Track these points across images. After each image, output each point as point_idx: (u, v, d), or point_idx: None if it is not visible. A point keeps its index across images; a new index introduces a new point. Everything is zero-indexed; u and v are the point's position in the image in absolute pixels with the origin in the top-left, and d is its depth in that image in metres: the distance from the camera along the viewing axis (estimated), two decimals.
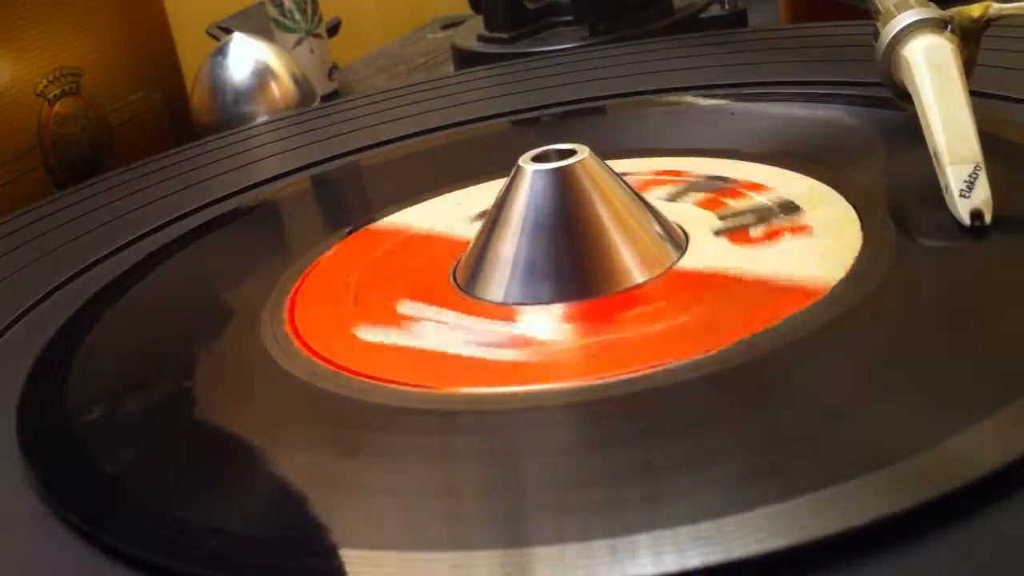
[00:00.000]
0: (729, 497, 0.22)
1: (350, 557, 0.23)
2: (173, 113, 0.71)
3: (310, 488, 0.26)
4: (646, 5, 0.67)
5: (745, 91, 0.48)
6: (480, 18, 0.71)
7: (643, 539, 0.21)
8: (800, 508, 0.21)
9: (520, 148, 0.35)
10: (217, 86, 0.64)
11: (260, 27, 0.73)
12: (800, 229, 0.34)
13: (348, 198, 0.49)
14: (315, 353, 0.32)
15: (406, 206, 0.42)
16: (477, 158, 0.47)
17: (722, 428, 0.25)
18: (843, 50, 0.50)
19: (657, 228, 0.34)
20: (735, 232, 0.34)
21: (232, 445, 0.29)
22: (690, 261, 0.33)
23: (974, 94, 0.34)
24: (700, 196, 0.37)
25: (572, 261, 0.33)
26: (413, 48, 0.88)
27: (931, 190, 0.32)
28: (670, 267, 0.33)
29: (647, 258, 0.33)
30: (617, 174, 0.34)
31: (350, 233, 0.40)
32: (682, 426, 0.25)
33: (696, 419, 0.26)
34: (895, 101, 0.39)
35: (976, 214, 0.31)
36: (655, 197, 0.37)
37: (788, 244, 0.33)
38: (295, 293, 0.36)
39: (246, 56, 0.64)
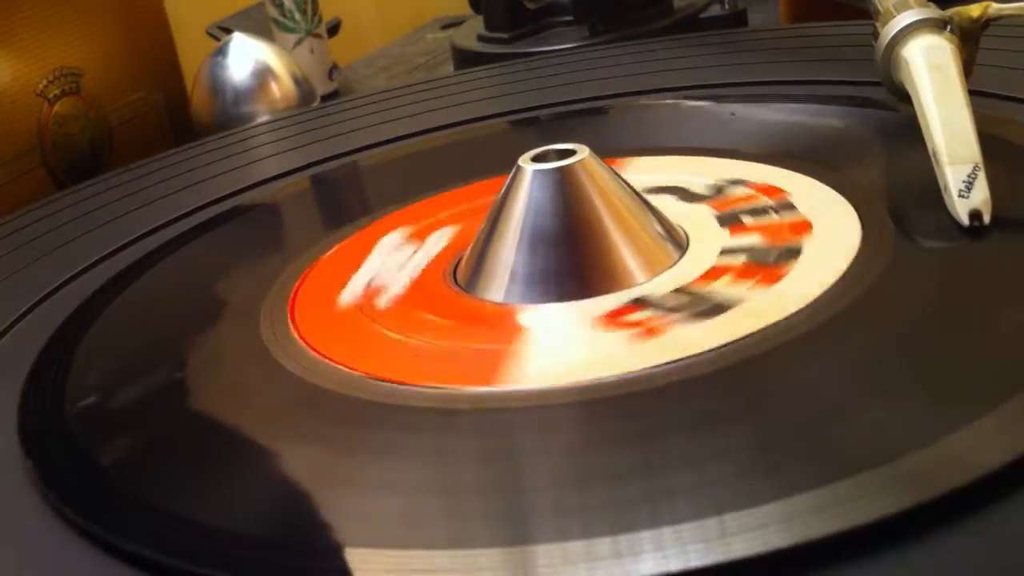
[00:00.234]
0: (730, 496, 0.22)
1: (349, 555, 0.23)
2: (173, 113, 0.71)
3: (310, 485, 0.26)
4: (646, 5, 0.67)
5: (745, 91, 0.48)
6: (480, 18, 0.71)
7: (645, 537, 0.21)
8: (801, 507, 0.21)
9: (520, 148, 0.35)
10: (217, 86, 0.64)
11: (260, 27, 0.73)
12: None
13: (348, 198, 0.49)
14: (316, 351, 0.32)
15: (404, 207, 0.42)
16: (477, 158, 0.47)
17: (722, 427, 0.25)
18: (843, 50, 0.50)
19: (658, 228, 0.34)
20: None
21: (232, 443, 0.29)
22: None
23: (973, 94, 0.34)
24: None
25: (572, 261, 0.33)
26: (413, 48, 0.88)
27: (930, 190, 0.32)
28: (671, 266, 0.33)
29: (648, 258, 0.33)
30: (617, 174, 0.34)
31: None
32: (682, 425, 0.25)
33: (696, 418, 0.26)
34: (894, 101, 0.39)
35: (975, 214, 0.31)
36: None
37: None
38: (295, 292, 0.36)
39: (246, 56, 0.64)
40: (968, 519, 0.21)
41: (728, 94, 0.48)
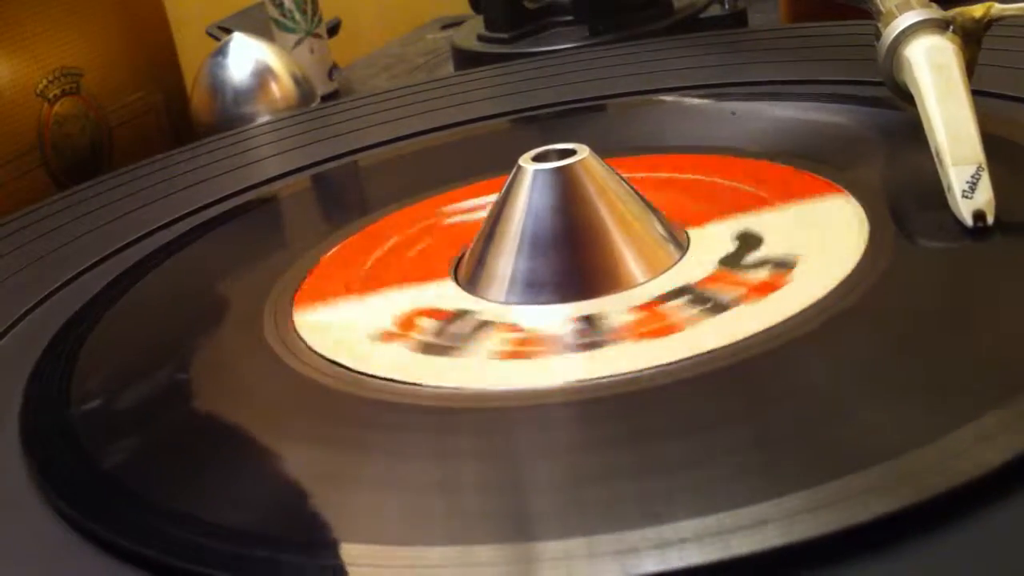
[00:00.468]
0: (729, 495, 0.22)
1: (351, 553, 0.23)
2: (173, 113, 0.71)
3: (311, 484, 0.26)
4: (646, 5, 0.67)
5: (745, 91, 0.48)
6: (480, 18, 0.71)
7: (643, 535, 0.21)
8: (800, 505, 0.21)
9: (520, 148, 0.35)
10: (217, 86, 0.64)
11: (260, 27, 0.73)
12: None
13: (348, 198, 0.49)
14: (317, 351, 0.32)
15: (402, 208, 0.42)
16: (477, 158, 0.47)
17: (723, 426, 0.25)
18: (843, 50, 0.50)
19: (659, 228, 0.34)
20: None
21: (235, 442, 0.29)
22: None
23: (976, 94, 0.34)
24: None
25: (573, 261, 0.33)
26: (413, 48, 0.88)
27: (933, 190, 0.32)
28: (671, 267, 0.33)
29: (648, 258, 0.33)
30: (617, 174, 0.34)
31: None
32: (682, 424, 0.25)
33: (697, 417, 0.26)
34: (896, 101, 0.39)
35: (978, 214, 0.30)
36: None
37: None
38: (297, 291, 0.36)
39: (246, 56, 0.64)
40: (968, 518, 0.20)
41: (728, 94, 0.48)
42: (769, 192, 0.37)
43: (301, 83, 0.65)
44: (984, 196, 0.31)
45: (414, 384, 0.29)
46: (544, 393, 0.28)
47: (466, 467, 0.26)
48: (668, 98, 0.49)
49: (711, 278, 0.32)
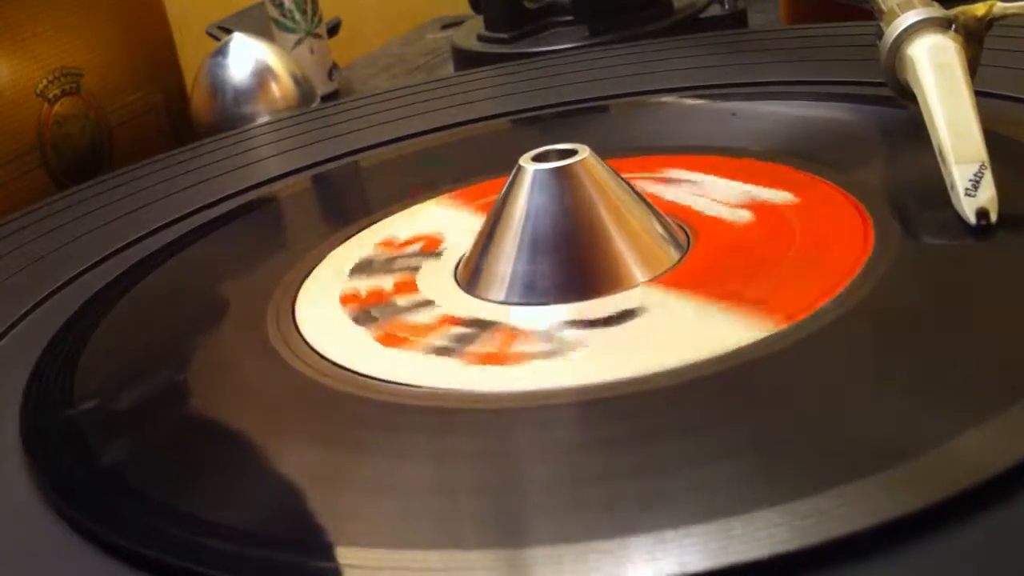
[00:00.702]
0: (730, 499, 0.22)
1: (350, 555, 0.23)
2: (173, 113, 0.71)
3: (313, 485, 0.26)
4: (646, 5, 0.67)
5: (746, 91, 0.48)
6: (480, 18, 0.71)
7: (644, 540, 0.21)
8: (802, 511, 0.21)
9: (520, 148, 0.35)
10: (217, 86, 0.64)
11: (260, 27, 0.73)
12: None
13: (349, 198, 0.49)
14: (317, 352, 0.32)
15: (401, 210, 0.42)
16: (477, 158, 0.47)
17: (723, 429, 0.25)
18: (843, 50, 0.50)
19: (658, 228, 0.34)
20: None
21: (235, 443, 0.29)
22: None
23: (978, 94, 0.34)
24: None
25: (573, 261, 0.33)
26: (413, 48, 0.88)
27: (936, 189, 0.32)
28: (672, 268, 0.33)
29: (648, 258, 0.33)
30: (617, 174, 0.34)
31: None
32: (682, 427, 0.25)
33: (697, 420, 0.26)
34: (898, 100, 0.39)
35: (982, 213, 0.30)
36: None
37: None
38: (298, 292, 0.36)
39: (246, 56, 0.64)
40: (973, 522, 0.20)
41: (729, 94, 0.48)
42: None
43: (301, 83, 0.65)
44: (987, 194, 0.31)
45: (414, 385, 0.29)
46: (543, 394, 0.28)
47: (465, 469, 0.26)
48: (668, 98, 0.49)
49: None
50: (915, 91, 0.36)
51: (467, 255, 0.35)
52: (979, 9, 0.36)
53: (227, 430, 0.29)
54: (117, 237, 0.45)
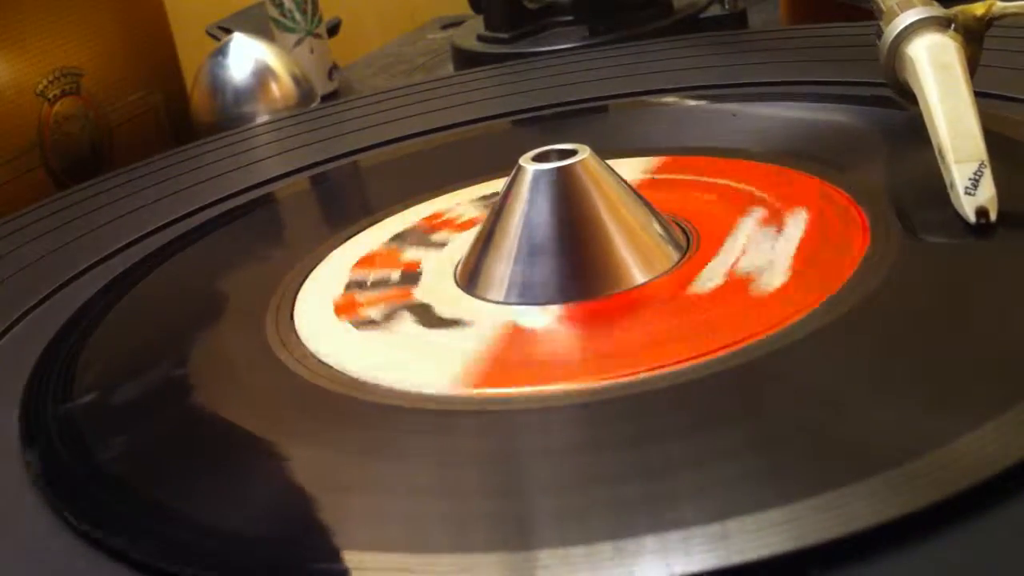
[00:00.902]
0: (732, 499, 0.22)
1: (352, 558, 0.23)
2: (173, 113, 0.71)
3: (312, 488, 0.26)
4: (646, 5, 0.67)
5: (746, 91, 0.48)
6: (480, 18, 0.71)
7: (646, 541, 0.21)
8: (803, 510, 0.21)
9: (520, 148, 0.35)
10: (217, 86, 0.64)
11: (260, 27, 0.73)
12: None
13: (349, 198, 0.49)
14: (314, 354, 0.32)
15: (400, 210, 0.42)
16: (477, 158, 0.47)
17: (724, 429, 0.25)
18: (843, 50, 0.50)
19: (658, 228, 0.34)
20: None
21: (236, 445, 0.29)
22: None
23: (977, 93, 0.34)
24: None
25: (572, 261, 0.33)
26: (413, 48, 0.88)
27: (935, 188, 0.32)
28: (672, 268, 0.33)
29: (648, 258, 0.33)
30: (617, 174, 0.34)
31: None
32: (683, 427, 0.25)
33: (698, 420, 0.26)
34: (897, 100, 0.39)
35: (981, 211, 0.30)
36: None
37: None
38: (297, 292, 0.36)
39: (246, 56, 0.64)
40: (973, 522, 0.20)
41: (729, 94, 0.48)
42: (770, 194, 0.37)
43: (301, 83, 0.65)
44: (987, 193, 0.31)
45: (415, 386, 0.29)
46: (545, 395, 0.28)
47: (467, 471, 0.26)
48: (668, 98, 0.49)
49: None
50: (914, 90, 0.36)
51: (466, 255, 0.35)
52: (978, 8, 0.36)
53: (227, 431, 0.29)
54: (117, 237, 0.45)
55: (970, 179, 0.31)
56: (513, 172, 0.34)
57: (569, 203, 0.33)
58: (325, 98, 0.71)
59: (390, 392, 0.29)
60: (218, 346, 0.35)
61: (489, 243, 0.34)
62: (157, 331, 0.36)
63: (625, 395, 0.27)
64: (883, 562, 0.20)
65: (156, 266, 0.41)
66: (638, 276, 0.32)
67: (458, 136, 0.51)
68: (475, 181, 0.43)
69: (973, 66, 0.36)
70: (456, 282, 0.35)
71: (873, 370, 0.26)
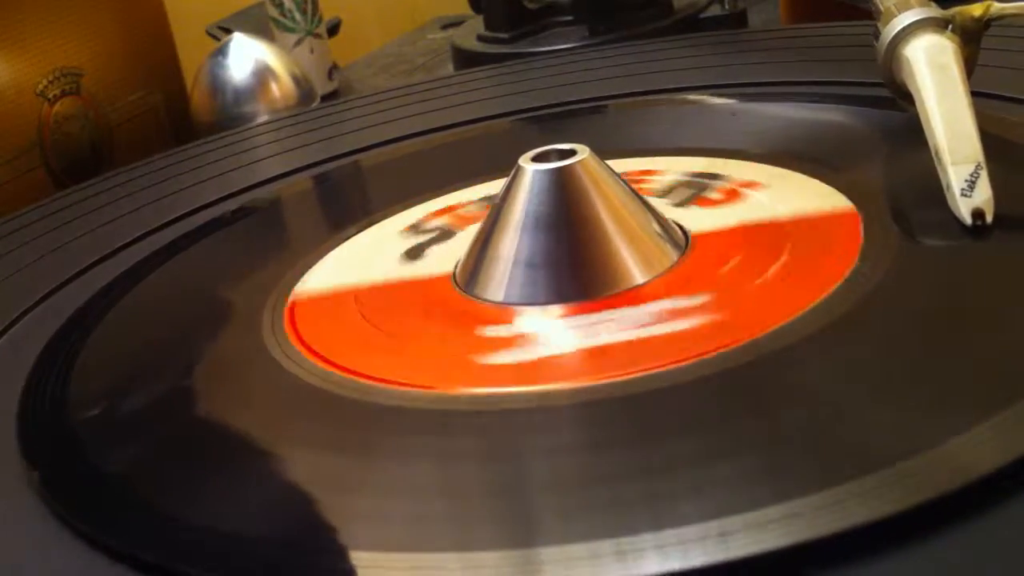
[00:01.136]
0: (731, 497, 0.22)
1: (354, 559, 0.23)
2: (173, 113, 0.71)
3: (313, 489, 0.26)
4: (646, 5, 0.67)
5: (745, 91, 0.48)
6: (480, 18, 0.71)
7: (646, 538, 0.21)
8: (801, 508, 0.21)
9: (520, 148, 0.35)
10: (217, 86, 0.64)
11: (260, 27, 0.73)
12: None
13: (349, 198, 0.49)
14: (317, 354, 0.32)
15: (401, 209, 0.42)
16: (477, 158, 0.47)
17: (723, 429, 0.25)
18: (843, 50, 0.50)
19: (657, 228, 0.34)
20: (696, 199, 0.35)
21: (235, 446, 0.29)
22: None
23: (975, 94, 0.34)
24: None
25: (572, 261, 0.33)
26: (413, 48, 0.88)
27: (932, 189, 0.32)
28: (671, 267, 0.33)
29: (647, 258, 0.33)
30: (617, 174, 0.34)
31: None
32: (683, 427, 0.25)
33: (697, 420, 0.26)
34: (896, 101, 0.39)
35: (978, 213, 0.31)
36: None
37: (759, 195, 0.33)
38: (296, 293, 0.36)
39: (246, 56, 0.64)
40: (969, 521, 0.20)
41: (729, 94, 0.48)
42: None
43: (301, 83, 0.65)
44: (983, 195, 0.31)
45: (415, 387, 0.29)
46: (545, 395, 0.28)
47: (468, 471, 0.26)
48: (668, 98, 0.49)
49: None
50: (912, 91, 0.36)
51: (466, 255, 0.35)
52: (976, 9, 0.36)
53: (227, 431, 0.30)
54: (117, 237, 0.45)
55: (966, 181, 0.31)
56: (513, 172, 0.34)
57: (568, 203, 0.33)
58: (325, 98, 0.71)
59: (390, 392, 0.29)
60: (218, 346, 0.35)
61: (488, 243, 0.34)
62: (157, 331, 0.36)
63: (625, 395, 0.27)
64: (881, 560, 0.20)
65: (156, 266, 0.41)
66: (638, 276, 0.32)
67: (458, 136, 0.51)
68: (475, 181, 0.43)
69: (970, 67, 0.36)
70: (455, 282, 0.35)
71: (870, 370, 0.26)
